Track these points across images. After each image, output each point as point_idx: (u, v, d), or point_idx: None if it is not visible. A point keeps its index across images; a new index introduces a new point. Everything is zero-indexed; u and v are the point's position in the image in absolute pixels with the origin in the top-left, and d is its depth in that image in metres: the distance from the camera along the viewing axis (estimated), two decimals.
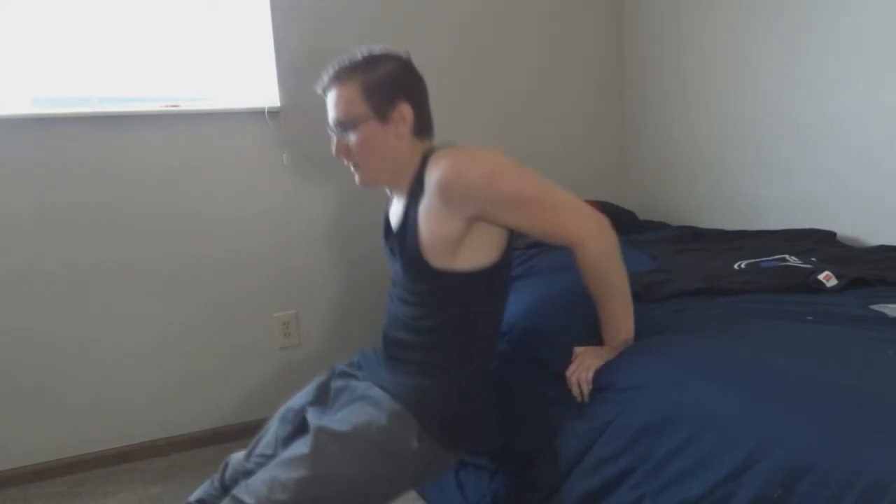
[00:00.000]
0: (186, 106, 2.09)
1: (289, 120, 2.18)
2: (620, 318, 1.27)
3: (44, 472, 2.01)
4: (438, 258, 1.23)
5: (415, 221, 1.24)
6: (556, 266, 1.68)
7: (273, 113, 2.15)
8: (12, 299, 1.95)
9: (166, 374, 2.14)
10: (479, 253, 1.24)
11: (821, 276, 1.50)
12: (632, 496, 1.10)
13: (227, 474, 1.37)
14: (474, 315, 1.30)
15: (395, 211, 1.33)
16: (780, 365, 1.08)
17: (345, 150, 1.28)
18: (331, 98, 1.28)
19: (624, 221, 2.42)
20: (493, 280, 1.29)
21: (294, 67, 2.16)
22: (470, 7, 2.42)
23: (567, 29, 2.60)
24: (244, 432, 2.23)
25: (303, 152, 2.20)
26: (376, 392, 1.27)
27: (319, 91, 1.31)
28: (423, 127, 1.30)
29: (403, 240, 1.26)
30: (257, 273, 2.21)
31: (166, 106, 2.06)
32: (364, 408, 1.24)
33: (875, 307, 1.34)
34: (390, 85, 1.25)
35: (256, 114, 2.14)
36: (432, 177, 1.20)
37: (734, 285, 1.52)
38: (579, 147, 2.69)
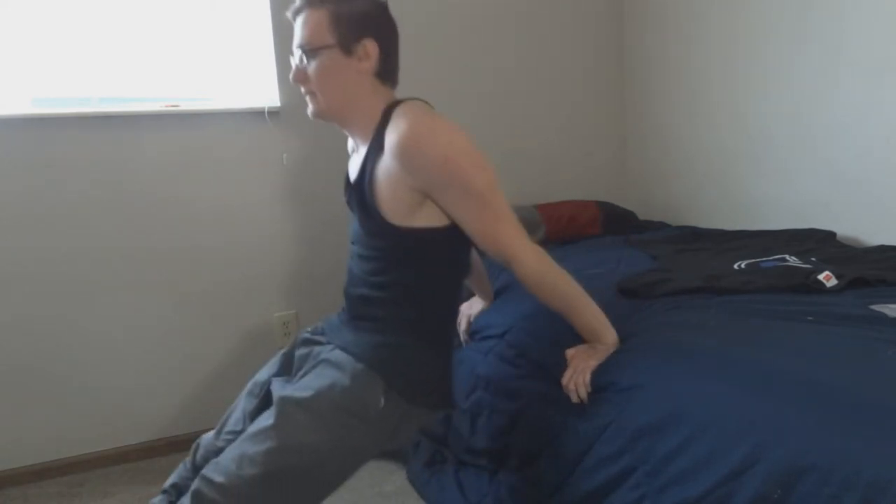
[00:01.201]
0: (186, 106, 2.09)
1: (289, 120, 2.18)
2: (591, 323, 1.26)
3: (44, 472, 2.01)
4: (395, 214, 1.21)
5: (373, 176, 1.22)
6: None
7: (273, 113, 2.15)
8: (12, 299, 1.95)
9: (166, 375, 2.14)
10: (436, 213, 1.22)
11: (821, 276, 1.50)
12: (632, 496, 1.10)
13: (199, 455, 1.34)
14: (432, 274, 1.28)
15: (355, 162, 1.31)
16: (780, 365, 1.07)
17: (302, 77, 1.26)
18: (299, 22, 1.26)
19: (624, 221, 2.43)
20: (452, 242, 1.26)
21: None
22: (470, 7, 2.42)
23: (567, 28, 2.60)
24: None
25: (303, 152, 2.20)
26: (338, 354, 1.24)
27: (289, 15, 1.28)
28: (387, 70, 1.27)
29: (361, 193, 1.24)
30: (257, 273, 2.21)
31: (166, 106, 2.06)
32: (326, 370, 1.22)
33: (875, 307, 1.34)
34: (360, 19, 1.23)
35: (256, 114, 2.14)
36: (391, 136, 1.18)
37: (734, 285, 1.52)
38: (579, 147, 2.69)
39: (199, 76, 2.15)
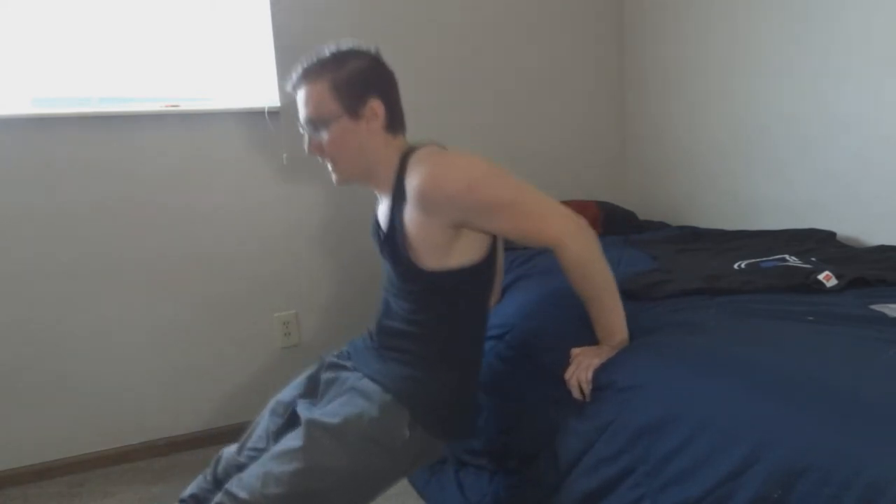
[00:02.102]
0: (186, 106, 2.09)
1: (289, 120, 2.18)
2: (611, 318, 1.27)
3: (44, 472, 2.02)
4: (428, 260, 1.24)
5: (402, 226, 1.24)
6: (555, 266, 1.68)
7: (273, 113, 2.15)
8: (12, 299, 1.95)
9: (166, 374, 2.14)
10: (468, 251, 1.25)
11: (821, 276, 1.50)
12: (632, 496, 1.10)
13: (220, 468, 1.36)
14: (465, 308, 1.31)
15: (382, 212, 1.33)
16: (779, 365, 1.07)
17: (318, 148, 1.28)
18: (301, 96, 1.27)
19: (624, 221, 2.42)
20: (482, 273, 1.30)
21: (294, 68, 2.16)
22: (470, 6, 2.42)
23: (567, 28, 2.60)
24: (244, 432, 2.23)
25: (303, 152, 2.19)
26: (367, 384, 1.27)
27: (289, 89, 1.30)
28: (395, 122, 1.29)
29: (393, 244, 1.27)
30: (257, 273, 2.22)
31: (166, 106, 2.06)
32: (355, 399, 1.24)
33: (875, 307, 1.33)
34: (360, 81, 1.24)
35: (256, 114, 2.14)
36: (411, 184, 1.21)
37: (734, 285, 1.52)
38: (579, 147, 2.69)
39: (199, 76, 2.15)
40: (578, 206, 2.38)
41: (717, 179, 2.39)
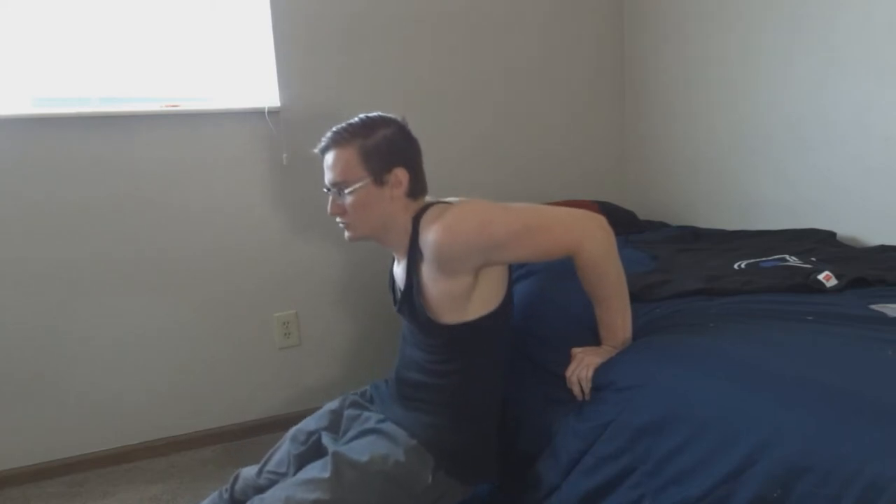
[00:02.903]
0: (186, 106, 2.09)
1: (289, 120, 2.18)
2: (618, 318, 1.28)
3: (44, 472, 2.01)
4: (449, 315, 1.27)
5: (420, 285, 1.28)
6: (554, 267, 1.68)
7: (273, 113, 2.15)
8: (12, 299, 1.95)
9: (166, 374, 2.14)
10: (487, 299, 1.28)
11: (821, 276, 1.50)
12: (631, 496, 1.10)
13: (237, 487, 1.40)
14: (484, 356, 1.34)
15: (399, 272, 1.37)
16: (779, 365, 1.07)
17: (340, 210, 1.32)
18: (328, 159, 1.30)
19: (624, 221, 2.42)
20: (500, 318, 1.33)
21: (294, 67, 2.16)
22: (469, 6, 2.42)
23: (567, 28, 2.60)
24: (244, 432, 2.24)
25: (303, 152, 2.20)
26: (391, 427, 1.30)
27: (317, 151, 1.34)
28: (417, 188, 1.33)
29: (411, 303, 1.30)
30: (257, 273, 2.21)
31: (166, 106, 2.06)
32: (381, 441, 1.28)
33: (875, 307, 1.34)
34: (387, 150, 1.28)
35: (256, 114, 2.14)
36: (427, 242, 1.24)
37: (734, 285, 1.52)
38: (579, 147, 2.69)
39: (199, 76, 2.15)
40: (578, 207, 2.37)
41: (717, 179, 2.39)
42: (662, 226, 2.45)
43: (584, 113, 2.69)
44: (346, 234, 1.36)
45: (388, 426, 1.31)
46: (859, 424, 0.89)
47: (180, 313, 2.13)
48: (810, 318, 1.30)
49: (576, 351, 1.29)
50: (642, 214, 2.58)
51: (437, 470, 1.26)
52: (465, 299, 1.26)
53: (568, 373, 1.26)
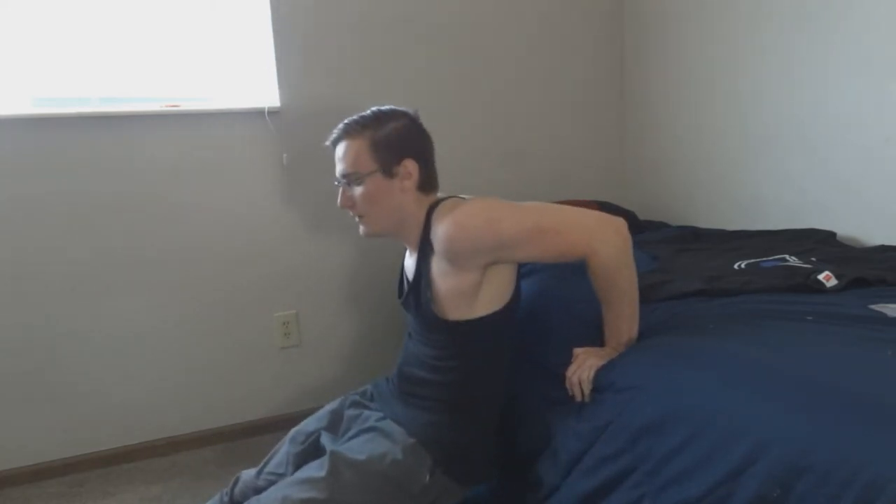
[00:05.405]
0: (186, 106, 2.09)
1: (289, 120, 2.18)
2: (625, 321, 1.27)
3: (44, 472, 2.02)
4: (455, 311, 1.26)
5: (428, 279, 1.27)
6: (556, 267, 1.68)
7: (273, 113, 2.15)
8: (12, 299, 1.95)
9: (166, 374, 2.14)
10: (494, 297, 1.28)
11: (821, 276, 1.50)
12: (631, 496, 1.10)
13: (237, 489, 1.39)
14: (488, 358, 1.33)
15: (409, 265, 1.37)
16: (779, 365, 1.07)
17: (350, 202, 1.32)
18: (339, 151, 1.31)
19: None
20: (508, 320, 1.32)
21: (294, 67, 2.17)
22: (469, 7, 2.42)
23: (567, 29, 2.60)
24: (244, 432, 2.24)
25: (303, 152, 2.20)
26: (390, 425, 1.30)
27: (328, 144, 1.34)
28: (428, 182, 1.33)
29: (418, 296, 1.30)
30: (257, 273, 2.22)
31: (166, 106, 2.06)
32: (379, 439, 1.28)
33: (875, 307, 1.34)
34: (398, 141, 1.28)
35: (256, 114, 2.14)
36: (438, 236, 1.23)
37: (734, 285, 1.52)
38: (579, 147, 2.69)
39: (199, 76, 2.15)
40: (578, 206, 2.39)
41: (717, 179, 2.39)
42: (662, 226, 2.45)
43: (584, 113, 2.69)
44: (361, 228, 1.35)
45: (387, 424, 1.31)
46: (859, 424, 0.89)
47: (180, 314, 2.13)
48: (810, 318, 1.30)
49: (578, 351, 1.28)
50: (642, 214, 2.58)
51: (435, 469, 1.25)
52: (472, 296, 1.25)
53: (568, 373, 1.26)
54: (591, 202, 2.44)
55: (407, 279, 1.38)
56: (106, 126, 1.99)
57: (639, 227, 2.40)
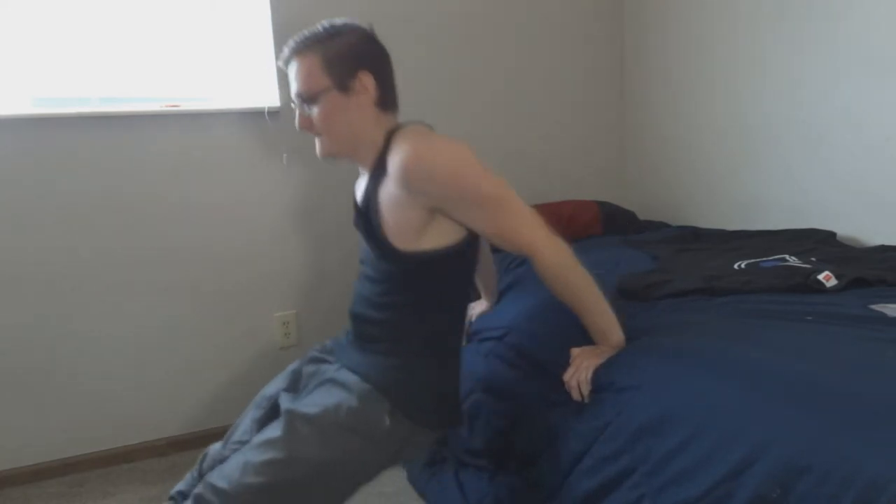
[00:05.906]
0: (186, 106, 2.09)
1: (289, 120, 2.17)
2: (602, 323, 1.26)
3: (44, 472, 2.02)
4: (402, 240, 1.21)
5: (377, 203, 1.22)
6: None
7: (273, 113, 2.15)
8: (11, 299, 1.95)
9: (166, 374, 2.14)
10: (444, 234, 1.23)
11: (821, 276, 1.50)
12: (631, 496, 1.10)
13: (205, 464, 1.34)
14: (440, 293, 1.29)
15: (360, 188, 1.32)
16: (779, 365, 1.07)
17: (307, 123, 1.28)
18: (292, 70, 1.27)
19: (624, 221, 2.42)
20: (460, 259, 1.28)
21: None
22: (468, 7, 2.42)
23: (567, 29, 2.60)
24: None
25: (303, 152, 2.20)
26: (345, 374, 1.26)
27: (280, 64, 1.29)
28: (386, 99, 1.28)
29: (368, 220, 1.25)
30: (257, 273, 2.22)
31: (166, 106, 2.06)
32: (333, 390, 1.24)
33: (875, 307, 1.34)
34: (351, 55, 1.24)
35: (256, 114, 2.14)
36: (394, 160, 1.19)
37: (734, 285, 1.52)
38: (579, 147, 2.69)
39: (199, 76, 2.15)
40: (578, 206, 2.40)
41: (717, 179, 2.39)
42: (662, 226, 2.45)
43: (584, 112, 2.69)
44: (318, 147, 1.30)
45: (342, 374, 1.26)
46: (859, 424, 0.89)
47: (180, 313, 2.13)
48: (810, 318, 1.30)
49: (575, 352, 1.28)
50: (642, 214, 2.58)
51: (395, 413, 1.21)
52: (419, 229, 1.20)
53: (567, 376, 1.25)
54: (592, 202, 2.44)
55: (356, 202, 1.33)
56: (106, 126, 1.99)
57: (639, 227, 2.41)
